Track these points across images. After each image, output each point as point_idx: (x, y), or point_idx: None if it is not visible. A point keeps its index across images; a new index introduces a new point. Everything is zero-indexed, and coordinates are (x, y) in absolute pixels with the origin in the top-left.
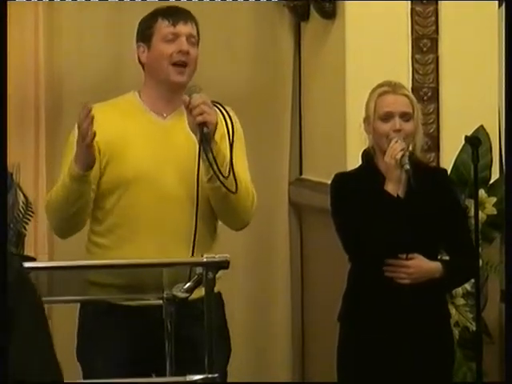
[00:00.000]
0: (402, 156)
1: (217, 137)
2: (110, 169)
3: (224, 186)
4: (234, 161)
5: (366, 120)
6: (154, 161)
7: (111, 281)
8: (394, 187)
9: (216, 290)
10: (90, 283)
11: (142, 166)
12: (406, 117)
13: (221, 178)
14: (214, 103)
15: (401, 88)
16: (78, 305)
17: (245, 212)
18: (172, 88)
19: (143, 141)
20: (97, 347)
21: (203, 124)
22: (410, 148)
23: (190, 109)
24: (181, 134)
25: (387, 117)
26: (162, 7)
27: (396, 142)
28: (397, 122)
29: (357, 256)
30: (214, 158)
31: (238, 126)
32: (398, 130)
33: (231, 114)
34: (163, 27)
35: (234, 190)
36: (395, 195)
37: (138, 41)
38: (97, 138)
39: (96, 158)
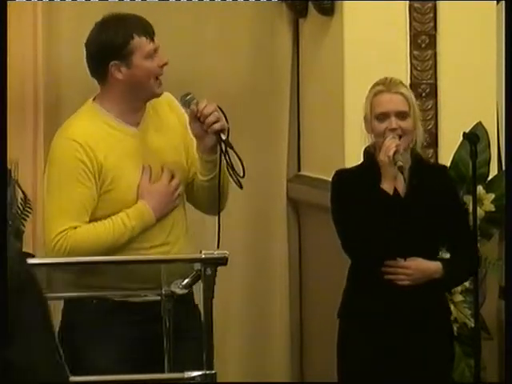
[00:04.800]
0: (395, 153)
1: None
2: (114, 192)
3: (236, 183)
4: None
5: (365, 119)
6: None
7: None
8: (389, 185)
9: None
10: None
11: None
12: (402, 115)
13: (238, 177)
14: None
15: (396, 86)
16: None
17: (226, 199)
18: (149, 99)
19: (131, 156)
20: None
21: (220, 131)
22: (411, 145)
23: (198, 117)
24: (157, 140)
25: (383, 117)
26: (125, 18)
27: (390, 139)
28: (392, 121)
29: (353, 254)
30: (229, 160)
31: None
32: (394, 129)
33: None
34: (144, 45)
35: (241, 186)
36: (391, 193)
37: (106, 59)
38: (93, 163)
39: (96, 184)
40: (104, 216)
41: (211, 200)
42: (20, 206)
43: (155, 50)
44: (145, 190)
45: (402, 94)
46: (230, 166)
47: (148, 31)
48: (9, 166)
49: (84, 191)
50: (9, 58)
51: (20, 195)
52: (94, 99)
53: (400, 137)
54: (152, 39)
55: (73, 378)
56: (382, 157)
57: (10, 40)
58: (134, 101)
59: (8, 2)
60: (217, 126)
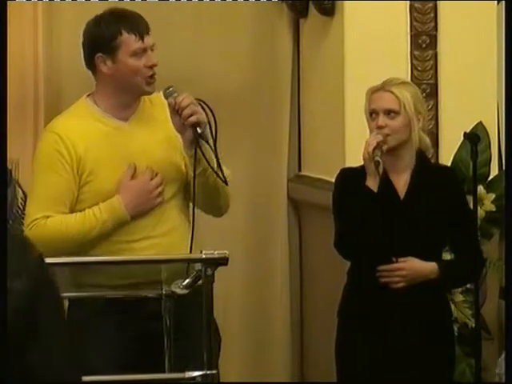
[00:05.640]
0: (375, 148)
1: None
2: (93, 184)
3: (221, 178)
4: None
5: (366, 117)
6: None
7: (108, 282)
8: (372, 182)
9: None
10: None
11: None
12: (391, 113)
13: (219, 173)
14: (198, 101)
15: (392, 85)
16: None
17: (227, 199)
18: (139, 96)
19: (116, 150)
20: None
21: (196, 124)
22: (415, 146)
23: (177, 110)
24: (147, 135)
25: (373, 114)
26: (117, 15)
27: (373, 136)
28: (380, 119)
29: (341, 251)
30: (215, 152)
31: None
32: (380, 127)
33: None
34: (131, 42)
35: (226, 182)
36: (375, 190)
37: (95, 50)
38: (71, 155)
39: (75, 176)
40: (85, 208)
41: (206, 198)
42: (20, 205)
43: (143, 49)
44: (122, 186)
45: (392, 92)
46: (206, 160)
47: (139, 29)
48: (9, 166)
49: (60, 182)
50: (9, 57)
51: (20, 195)
52: (88, 95)
53: (389, 135)
54: (142, 38)
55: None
56: (363, 153)
57: (10, 40)
58: (122, 96)
59: (8, 2)
60: (192, 119)
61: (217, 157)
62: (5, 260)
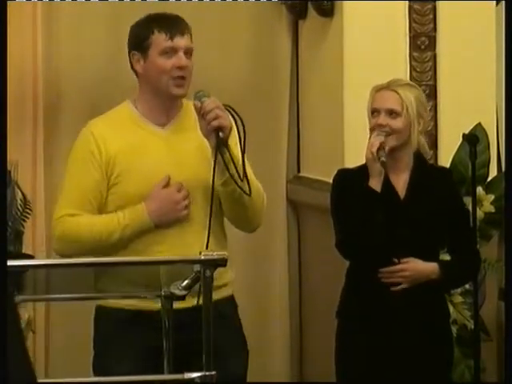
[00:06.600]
0: (379, 149)
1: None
2: (121, 185)
3: (240, 188)
4: (246, 163)
5: (368, 115)
6: (161, 173)
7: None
8: (376, 182)
9: (230, 292)
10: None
11: (152, 180)
12: (393, 113)
13: (238, 181)
14: (226, 107)
15: (395, 84)
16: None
17: (256, 213)
18: (170, 99)
19: (148, 154)
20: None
21: (218, 128)
22: (414, 148)
23: (202, 114)
24: (183, 143)
25: (375, 113)
26: (157, 16)
27: (374, 136)
28: (381, 117)
29: (343, 252)
30: (232, 160)
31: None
32: (380, 125)
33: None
34: (161, 41)
35: (248, 192)
36: (378, 190)
37: (131, 48)
38: (102, 155)
39: (104, 177)
40: (113, 210)
41: (232, 210)
42: (19, 207)
43: (173, 49)
44: (151, 194)
45: (397, 92)
46: (231, 162)
47: (171, 29)
48: (8, 167)
49: (89, 181)
50: (8, 58)
51: (19, 196)
52: (132, 99)
53: (389, 135)
54: (172, 38)
55: (73, 379)
56: (367, 153)
57: (9, 40)
58: (157, 99)
59: (8, 2)
60: (214, 123)
61: (243, 165)
62: (5, 260)
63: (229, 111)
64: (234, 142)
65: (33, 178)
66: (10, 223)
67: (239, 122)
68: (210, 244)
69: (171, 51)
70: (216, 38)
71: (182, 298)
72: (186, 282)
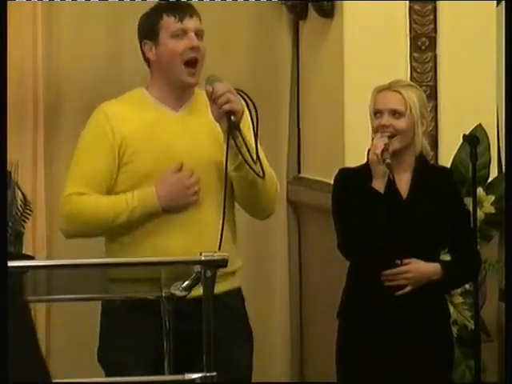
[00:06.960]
0: (383, 151)
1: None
2: (132, 165)
3: (253, 170)
4: (258, 147)
5: (369, 117)
6: (173, 154)
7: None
8: (379, 184)
9: (237, 284)
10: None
11: (164, 160)
12: (396, 114)
13: (252, 164)
14: (238, 91)
15: (398, 85)
16: (99, 307)
17: (270, 199)
18: (182, 87)
19: (161, 135)
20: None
21: (230, 112)
22: (416, 149)
23: (213, 98)
24: (195, 126)
25: (378, 113)
26: (164, 3)
27: (378, 138)
28: (384, 118)
29: (345, 252)
30: (244, 144)
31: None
32: (384, 126)
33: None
34: (171, 23)
35: (261, 175)
36: (381, 191)
37: (142, 38)
38: (115, 134)
39: (115, 156)
40: (123, 191)
41: (245, 196)
42: (20, 207)
43: (183, 31)
44: (160, 177)
45: (400, 93)
46: (243, 145)
47: (179, 12)
48: (8, 168)
49: (99, 161)
50: (8, 58)
51: (20, 197)
52: (145, 86)
53: (393, 136)
54: (181, 20)
55: (73, 379)
56: (370, 155)
57: (9, 40)
58: (170, 86)
59: (8, 2)
60: (226, 107)
61: (256, 148)
62: (5, 260)
63: (241, 95)
64: (246, 126)
65: (33, 179)
66: (10, 224)
67: (251, 106)
68: (224, 229)
69: (182, 33)
70: (216, 38)
71: (183, 298)
72: (186, 282)
